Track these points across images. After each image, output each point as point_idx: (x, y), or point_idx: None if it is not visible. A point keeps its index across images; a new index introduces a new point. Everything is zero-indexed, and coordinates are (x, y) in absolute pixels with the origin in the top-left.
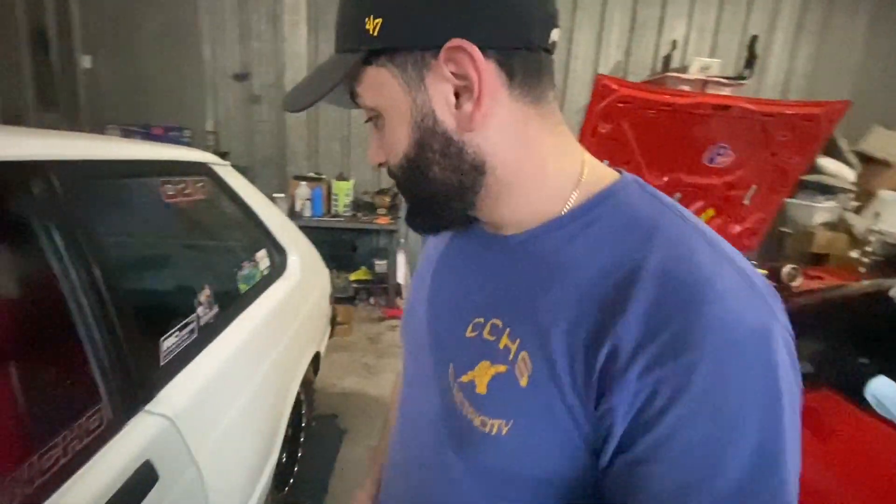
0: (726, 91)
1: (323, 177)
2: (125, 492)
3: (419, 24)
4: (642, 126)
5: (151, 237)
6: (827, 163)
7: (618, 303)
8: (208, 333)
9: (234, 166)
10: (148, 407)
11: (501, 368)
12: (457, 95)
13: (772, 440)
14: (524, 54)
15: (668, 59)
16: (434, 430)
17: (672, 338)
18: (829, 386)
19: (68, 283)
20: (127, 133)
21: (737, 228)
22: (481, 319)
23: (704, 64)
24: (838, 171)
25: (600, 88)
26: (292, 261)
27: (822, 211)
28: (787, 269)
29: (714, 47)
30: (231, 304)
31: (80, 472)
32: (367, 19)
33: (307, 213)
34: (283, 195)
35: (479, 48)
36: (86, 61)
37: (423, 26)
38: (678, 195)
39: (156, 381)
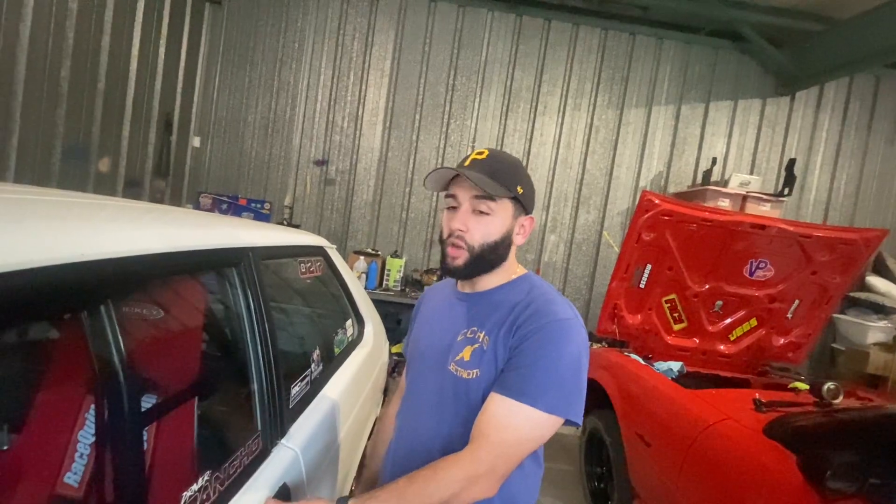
0: (766, 207)
1: (379, 253)
2: None
3: (529, 200)
4: (684, 237)
5: (291, 304)
6: (877, 281)
7: (519, 313)
8: (316, 386)
9: None
10: (282, 440)
11: (476, 346)
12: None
13: (560, 355)
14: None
15: (708, 172)
16: (435, 391)
17: (533, 321)
18: (863, 498)
19: (250, 336)
20: (217, 201)
21: (780, 341)
22: (466, 330)
23: (744, 180)
24: (888, 290)
25: (644, 202)
26: (368, 330)
27: (875, 330)
28: (827, 385)
29: (753, 165)
30: (330, 363)
31: (248, 482)
32: (518, 185)
33: (362, 284)
34: None
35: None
36: (196, 141)
37: (529, 202)
38: (719, 303)
39: (287, 420)
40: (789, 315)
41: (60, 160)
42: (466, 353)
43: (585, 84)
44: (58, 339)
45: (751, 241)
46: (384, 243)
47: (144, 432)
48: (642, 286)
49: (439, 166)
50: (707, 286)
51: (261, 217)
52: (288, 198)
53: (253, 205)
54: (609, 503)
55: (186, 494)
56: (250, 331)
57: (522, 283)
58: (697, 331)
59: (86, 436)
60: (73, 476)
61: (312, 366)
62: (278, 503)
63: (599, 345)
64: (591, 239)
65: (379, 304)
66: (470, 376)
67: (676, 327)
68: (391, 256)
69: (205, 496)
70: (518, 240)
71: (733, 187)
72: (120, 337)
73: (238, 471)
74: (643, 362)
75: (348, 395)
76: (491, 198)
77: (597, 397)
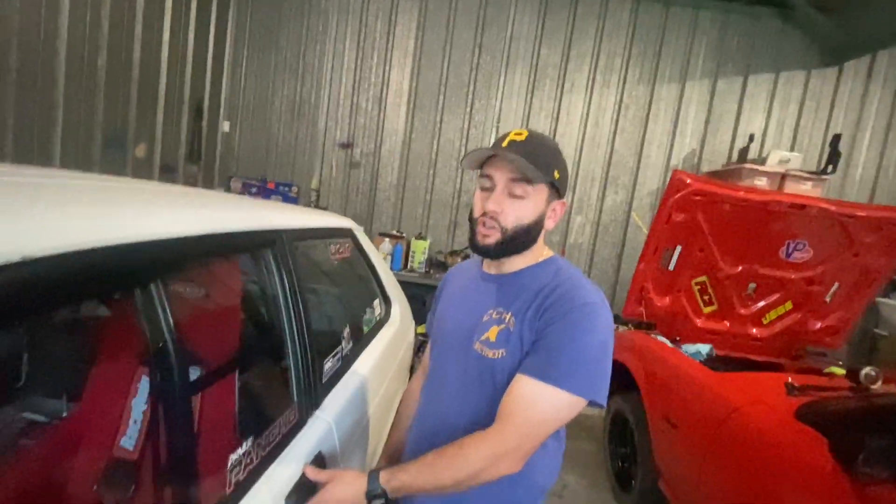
0: (807, 185)
1: (404, 235)
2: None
3: (564, 185)
4: (716, 218)
5: (322, 284)
6: None
7: (545, 296)
8: (347, 362)
9: None
10: (317, 412)
11: (502, 326)
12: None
13: (587, 338)
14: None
15: (745, 150)
16: (460, 370)
17: (560, 304)
18: None
19: (285, 313)
20: (247, 185)
21: (817, 325)
22: (492, 310)
23: (783, 157)
24: None
25: (675, 182)
26: (395, 310)
27: None
28: (866, 370)
29: (794, 141)
30: (359, 340)
31: (286, 449)
32: (555, 170)
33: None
34: None
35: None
36: (225, 126)
37: (563, 186)
38: (753, 285)
39: (321, 393)
40: (828, 298)
41: (101, 147)
42: (492, 334)
43: (615, 59)
44: (112, 316)
45: (788, 222)
46: (409, 225)
47: (192, 401)
48: (671, 268)
49: (478, 147)
50: (740, 268)
51: (288, 200)
52: (314, 181)
53: (281, 188)
54: (633, 483)
55: (233, 457)
56: (285, 308)
57: (549, 265)
58: (728, 314)
59: (139, 403)
60: (129, 440)
61: (343, 343)
62: (315, 469)
63: (626, 327)
64: (619, 220)
65: (404, 286)
66: (496, 356)
67: (706, 310)
68: (416, 238)
69: (248, 460)
70: (549, 224)
71: (772, 165)
72: (169, 313)
73: (277, 438)
74: (671, 345)
75: (377, 372)
76: (528, 181)
77: (622, 379)
